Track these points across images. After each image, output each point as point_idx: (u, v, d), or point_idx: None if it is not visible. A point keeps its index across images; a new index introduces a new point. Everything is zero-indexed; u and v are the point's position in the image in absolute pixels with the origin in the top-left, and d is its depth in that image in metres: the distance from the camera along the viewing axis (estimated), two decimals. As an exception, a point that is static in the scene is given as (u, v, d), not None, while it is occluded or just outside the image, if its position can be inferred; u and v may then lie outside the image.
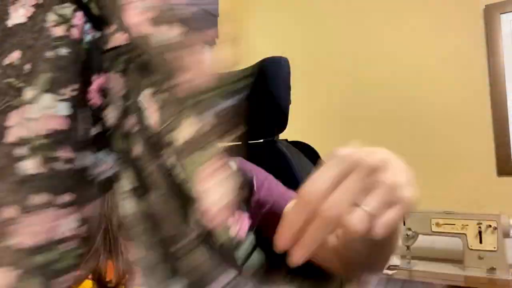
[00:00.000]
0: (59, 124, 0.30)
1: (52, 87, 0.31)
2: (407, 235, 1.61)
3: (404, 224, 1.63)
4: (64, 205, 0.30)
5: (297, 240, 0.30)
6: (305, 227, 0.29)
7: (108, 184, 0.33)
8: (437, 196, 1.77)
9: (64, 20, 0.32)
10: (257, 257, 0.33)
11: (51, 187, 0.30)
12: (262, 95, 0.83)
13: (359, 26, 2.07)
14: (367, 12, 2.06)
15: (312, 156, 0.93)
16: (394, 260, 1.57)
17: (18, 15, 0.33)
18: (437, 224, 1.56)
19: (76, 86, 0.31)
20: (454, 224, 1.53)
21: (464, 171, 1.74)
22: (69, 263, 0.30)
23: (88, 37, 0.33)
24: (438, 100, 1.84)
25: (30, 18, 0.32)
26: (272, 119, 0.84)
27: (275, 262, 0.34)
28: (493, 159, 1.70)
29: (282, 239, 0.30)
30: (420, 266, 1.57)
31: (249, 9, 2.44)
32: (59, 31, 0.32)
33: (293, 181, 0.81)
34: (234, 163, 0.37)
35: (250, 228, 0.34)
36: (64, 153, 0.31)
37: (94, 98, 0.33)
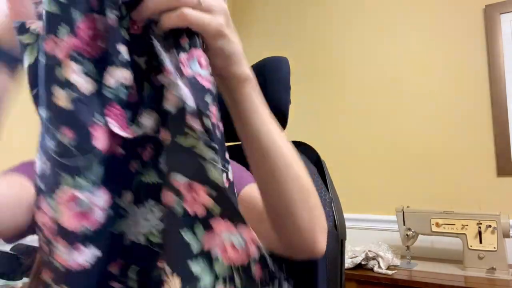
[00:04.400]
0: None
1: None
2: (407, 235, 1.61)
3: (404, 224, 1.63)
4: None
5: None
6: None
7: None
8: (437, 196, 1.77)
9: None
10: None
11: None
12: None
13: (360, 25, 2.07)
14: (367, 12, 2.06)
15: (312, 156, 0.93)
16: (394, 260, 1.57)
17: None
18: (437, 224, 1.56)
19: None
20: (454, 224, 1.53)
21: (464, 171, 1.75)
22: None
23: None
24: (438, 99, 1.84)
25: None
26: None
27: None
28: (493, 159, 1.70)
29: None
30: (420, 266, 1.57)
31: (249, 9, 2.44)
32: None
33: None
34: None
35: None
36: None
37: None
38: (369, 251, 1.57)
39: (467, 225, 1.51)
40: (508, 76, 1.70)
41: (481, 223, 1.48)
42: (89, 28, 0.35)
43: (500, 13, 1.74)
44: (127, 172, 0.38)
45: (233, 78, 0.43)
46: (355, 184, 1.96)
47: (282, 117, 0.83)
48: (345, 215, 0.87)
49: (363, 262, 1.56)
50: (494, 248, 1.45)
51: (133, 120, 0.37)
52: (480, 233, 1.48)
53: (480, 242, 1.47)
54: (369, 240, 1.76)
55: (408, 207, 1.65)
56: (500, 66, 1.72)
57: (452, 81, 1.82)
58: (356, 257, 1.57)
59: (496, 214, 1.47)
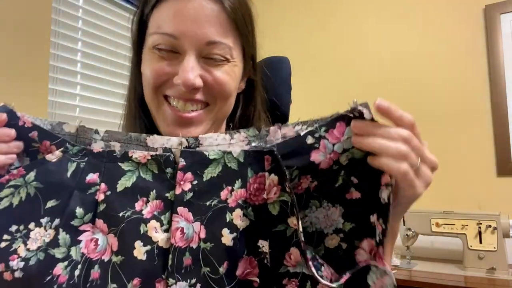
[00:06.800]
0: None
1: None
2: (407, 235, 1.61)
3: (404, 224, 1.63)
4: None
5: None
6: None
7: None
8: (437, 196, 1.77)
9: None
10: None
11: None
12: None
13: (359, 26, 2.07)
14: (367, 12, 2.06)
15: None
16: (394, 260, 1.57)
17: None
18: (437, 224, 1.56)
19: None
20: (454, 224, 1.53)
21: (464, 171, 1.74)
22: None
23: None
24: (438, 100, 1.84)
25: None
26: (273, 119, 0.83)
27: None
28: (493, 159, 1.70)
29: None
30: (420, 266, 1.57)
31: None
32: None
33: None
34: None
35: None
36: None
37: None
38: (369, 251, 1.57)
39: (467, 225, 1.51)
40: (508, 75, 1.70)
41: (481, 223, 1.48)
42: (257, 183, 0.44)
43: (500, 13, 1.74)
44: None
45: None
46: (355, 184, 1.95)
47: (283, 117, 0.83)
48: (346, 215, 0.87)
49: (363, 262, 1.56)
50: (494, 248, 1.45)
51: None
52: (480, 233, 1.48)
53: (480, 242, 1.47)
54: (369, 240, 1.76)
55: (408, 207, 1.65)
56: (500, 66, 1.72)
57: (452, 81, 1.82)
58: (356, 257, 1.56)
59: (496, 214, 1.47)
